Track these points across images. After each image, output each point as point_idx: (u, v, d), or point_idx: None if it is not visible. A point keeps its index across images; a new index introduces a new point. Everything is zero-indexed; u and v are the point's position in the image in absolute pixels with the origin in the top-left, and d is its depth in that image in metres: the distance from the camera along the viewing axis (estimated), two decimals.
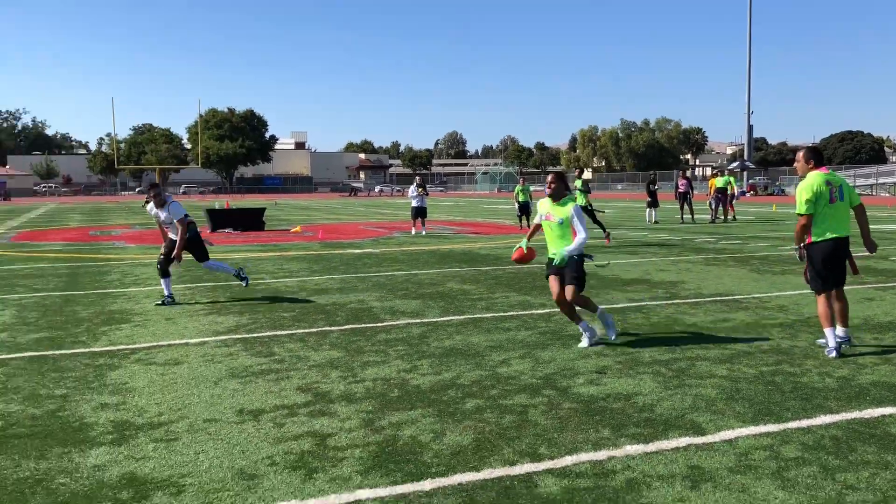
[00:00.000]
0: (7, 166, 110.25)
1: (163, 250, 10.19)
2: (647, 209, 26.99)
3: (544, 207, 7.17)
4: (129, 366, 6.65)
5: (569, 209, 6.95)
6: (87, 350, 7.29)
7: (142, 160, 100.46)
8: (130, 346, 7.41)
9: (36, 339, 7.78)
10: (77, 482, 4.11)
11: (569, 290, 6.96)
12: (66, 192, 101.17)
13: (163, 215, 10.10)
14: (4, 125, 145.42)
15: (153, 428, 4.98)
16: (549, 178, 7.12)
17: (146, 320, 8.81)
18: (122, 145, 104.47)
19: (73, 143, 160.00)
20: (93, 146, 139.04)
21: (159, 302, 9.95)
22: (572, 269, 6.98)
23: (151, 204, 10.22)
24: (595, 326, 7.45)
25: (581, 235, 6.93)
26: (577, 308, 7.21)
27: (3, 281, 12.49)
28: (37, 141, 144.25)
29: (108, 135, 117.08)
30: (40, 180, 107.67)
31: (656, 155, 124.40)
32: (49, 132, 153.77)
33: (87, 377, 6.28)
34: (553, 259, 7.04)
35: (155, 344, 7.52)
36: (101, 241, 20.67)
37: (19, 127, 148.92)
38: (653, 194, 26.73)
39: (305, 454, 4.49)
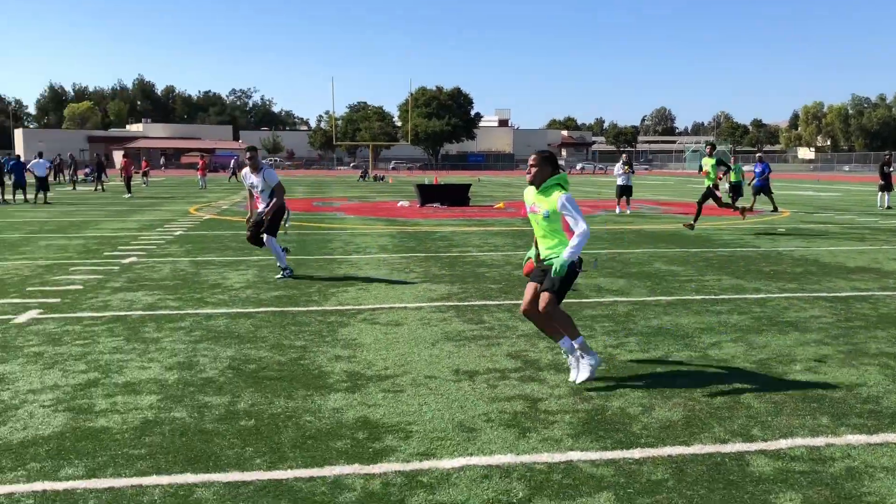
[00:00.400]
0: (239, 141, 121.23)
1: (250, 226, 10.12)
2: (879, 193, 24.74)
3: (529, 197, 5.60)
4: (356, 324, 7.31)
5: (556, 199, 5.32)
6: (319, 308, 8.07)
7: (356, 137, 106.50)
8: (356, 307, 8.11)
9: (276, 297, 8.71)
10: (320, 420, 4.67)
11: (543, 298, 5.34)
12: (289, 166, 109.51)
13: (256, 180, 9.90)
14: (238, 103, 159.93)
15: (381, 380, 5.50)
16: (531, 159, 5.50)
17: (368, 285, 9.56)
18: (340, 122, 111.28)
19: (296, 119, 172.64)
20: (313, 123, 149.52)
21: (279, 276, 9.91)
22: (553, 273, 5.34)
23: (247, 170, 10.04)
24: (587, 357, 5.45)
25: (580, 229, 5.26)
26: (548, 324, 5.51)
27: (244, 245, 13.96)
28: (265, 117, 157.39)
29: (327, 112, 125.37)
30: (267, 154, 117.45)
31: (892, 133, 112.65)
32: (275, 109, 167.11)
33: (322, 332, 6.99)
34: (543, 260, 5.51)
35: (377, 306, 8.17)
36: (324, 212, 22.41)
37: (250, 105, 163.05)
38: (886, 177, 24.42)
39: (518, 414, 4.77)
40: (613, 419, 4.70)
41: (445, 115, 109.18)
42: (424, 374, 5.61)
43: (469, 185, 27.17)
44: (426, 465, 4.00)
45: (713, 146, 17.32)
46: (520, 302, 8.37)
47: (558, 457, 4.11)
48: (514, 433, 4.45)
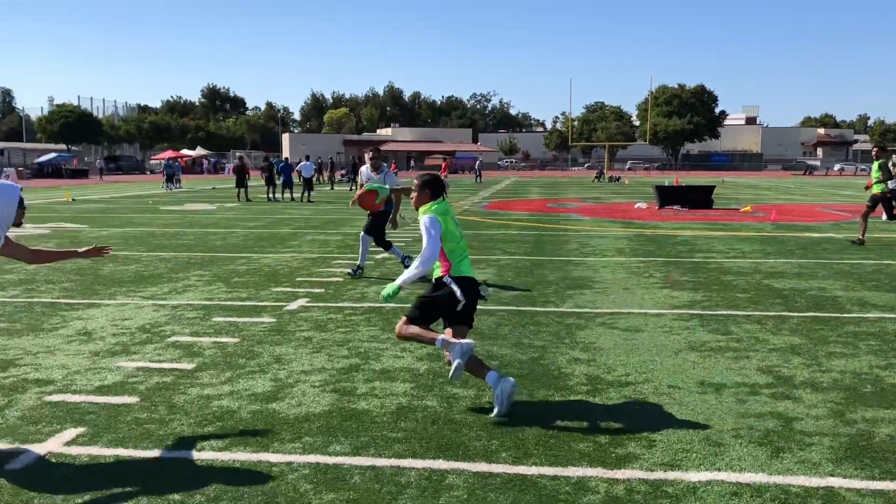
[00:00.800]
0: (478, 143, 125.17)
1: (367, 225, 10.48)
2: None
3: None
4: (594, 328, 7.32)
5: (422, 220, 5.04)
6: (556, 309, 8.18)
7: (592, 137, 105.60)
8: (594, 311, 8.11)
9: (514, 296, 8.95)
10: (562, 421, 4.77)
11: (400, 323, 5.10)
12: (524, 167, 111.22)
13: (375, 178, 10.30)
14: (478, 106, 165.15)
15: (622, 386, 5.48)
16: (413, 184, 5.26)
17: (605, 288, 9.50)
18: (576, 123, 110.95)
19: (532, 121, 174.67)
20: (548, 124, 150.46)
21: (350, 271, 10.44)
22: (423, 294, 5.15)
23: (366, 168, 10.51)
24: (451, 354, 4.95)
25: (423, 254, 4.97)
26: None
27: (484, 244, 14.48)
28: (502, 120, 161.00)
29: (563, 113, 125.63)
30: (504, 156, 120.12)
31: None
32: (512, 112, 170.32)
33: (560, 333, 7.09)
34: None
35: (616, 310, 8.11)
36: (559, 213, 22.52)
37: (489, 108, 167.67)
38: None
39: (770, 433, 4.53)
40: (882, 447, 4.31)
41: (687, 114, 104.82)
42: (667, 384, 5.49)
43: (713, 187, 25.93)
44: (671, 475, 3.94)
45: (881, 147, 14.57)
46: (770, 313, 7.94)
47: (816, 481, 3.86)
48: (766, 452, 4.24)
